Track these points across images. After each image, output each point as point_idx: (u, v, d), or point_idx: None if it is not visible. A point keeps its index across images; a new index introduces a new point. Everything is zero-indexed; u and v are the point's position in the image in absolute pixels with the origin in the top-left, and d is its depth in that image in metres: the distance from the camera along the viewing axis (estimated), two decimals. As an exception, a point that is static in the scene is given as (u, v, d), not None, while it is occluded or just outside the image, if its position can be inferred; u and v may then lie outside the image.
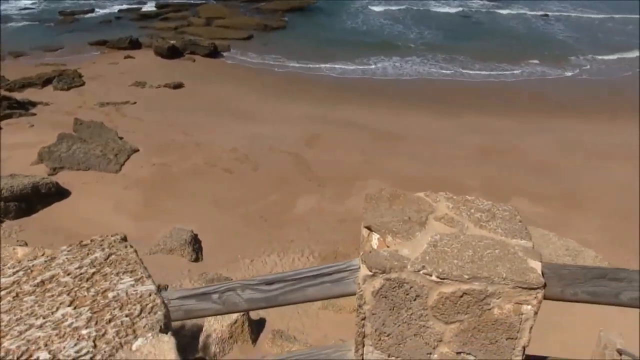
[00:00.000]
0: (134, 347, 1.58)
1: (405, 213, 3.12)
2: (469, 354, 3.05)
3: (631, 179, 22.23)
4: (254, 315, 12.07)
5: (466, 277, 2.74)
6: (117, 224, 17.20)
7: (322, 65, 37.01)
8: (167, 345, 1.59)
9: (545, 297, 3.07)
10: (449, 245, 2.91)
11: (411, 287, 2.80)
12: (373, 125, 27.04)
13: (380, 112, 28.85)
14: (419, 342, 3.02)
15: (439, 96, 32.12)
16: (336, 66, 36.88)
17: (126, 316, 1.68)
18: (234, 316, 10.79)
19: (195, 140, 24.45)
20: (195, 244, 16.40)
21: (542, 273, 2.91)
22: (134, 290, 1.80)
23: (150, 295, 1.79)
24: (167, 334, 1.66)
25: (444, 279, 2.75)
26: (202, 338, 10.64)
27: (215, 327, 10.74)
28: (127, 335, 1.61)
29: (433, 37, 44.16)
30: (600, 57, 39.89)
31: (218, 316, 10.99)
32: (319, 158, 23.37)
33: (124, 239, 2.07)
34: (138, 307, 1.73)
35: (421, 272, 2.75)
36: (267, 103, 29.57)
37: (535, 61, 38.54)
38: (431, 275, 2.75)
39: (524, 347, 3.02)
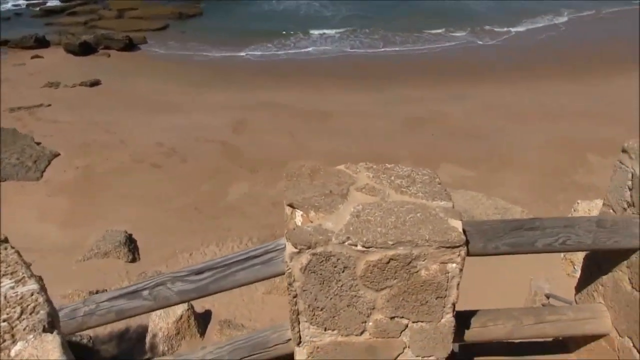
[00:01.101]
0: (12, 353, 1.52)
1: (326, 187, 3.13)
2: (402, 317, 3.11)
3: (549, 136, 23.10)
4: (199, 308, 11.95)
5: (391, 243, 2.78)
6: (44, 234, 16.62)
7: (243, 50, 36.61)
8: (51, 345, 1.54)
9: (469, 254, 3.16)
10: (371, 214, 2.94)
11: (338, 259, 2.82)
12: (299, 105, 27.03)
13: (305, 92, 28.83)
14: (352, 313, 3.06)
15: (362, 71, 32.36)
16: (256, 52, 36.55)
17: (4, 321, 1.62)
18: (179, 312, 10.66)
19: (118, 138, 23.81)
20: (131, 244, 16.02)
21: (464, 231, 2.99)
22: (14, 292, 1.73)
23: (32, 295, 1.72)
24: (52, 332, 1.61)
25: (369, 247, 2.79)
26: (148, 339, 10.46)
27: (160, 325, 10.57)
28: (4, 341, 1.55)
29: (351, 13, 44.22)
30: (515, 26, 40.88)
31: (162, 314, 10.83)
32: (248, 144, 23.21)
33: (5, 240, 1.99)
34: (18, 309, 1.66)
35: (346, 243, 2.77)
36: (190, 93, 29.06)
37: (456, 32, 39.17)
38: (356, 246, 2.78)
39: (453, 304, 3.11)
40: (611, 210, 3.61)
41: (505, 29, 39.98)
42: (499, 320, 3.68)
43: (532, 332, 3.72)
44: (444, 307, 3.09)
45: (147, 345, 10.41)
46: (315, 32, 39.55)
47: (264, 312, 12.59)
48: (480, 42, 37.86)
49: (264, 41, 37.83)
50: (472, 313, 3.70)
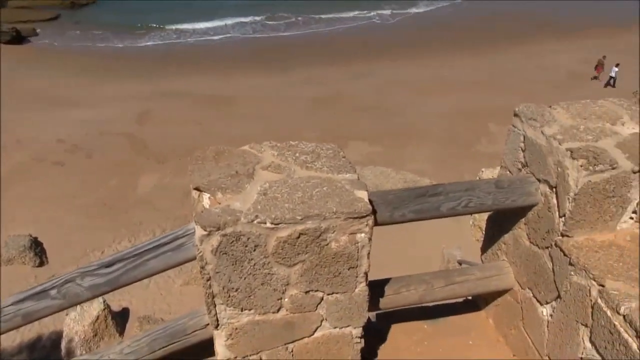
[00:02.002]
0: None
1: (232, 168, 3.12)
2: (317, 290, 3.16)
3: (452, 108, 23.91)
4: (116, 306, 11.67)
5: (299, 218, 2.81)
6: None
7: (142, 39, 35.58)
8: None
9: (377, 223, 3.24)
10: (278, 191, 2.95)
11: (248, 239, 2.82)
12: (204, 92, 26.65)
13: (209, 78, 28.45)
14: (267, 290, 3.07)
15: (266, 55, 32.26)
16: (156, 41, 35.56)
17: None
18: (94, 313, 10.37)
19: (15, 137, 22.61)
20: (37, 248, 15.33)
21: (370, 201, 3.06)
22: None
23: None
24: None
25: (278, 224, 2.80)
26: (64, 344, 10.12)
27: (76, 329, 10.24)
28: None
29: (252, -2, 43.68)
30: (414, 6, 41.62)
31: (77, 317, 10.48)
32: (154, 134, 22.68)
33: None
34: None
35: (255, 221, 2.78)
36: (89, 86, 28.00)
37: (357, 12, 39.43)
38: (265, 223, 2.79)
39: (365, 273, 3.18)
40: (508, 172, 3.79)
41: (406, 10, 40.65)
42: (411, 286, 3.80)
43: (443, 294, 3.87)
44: (357, 277, 3.16)
45: (64, 351, 10.07)
46: (214, 16, 38.84)
47: (183, 304, 12.45)
48: (381, 22, 38.43)
49: (164, 29, 36.85)
50: (386, 281, 3.80)
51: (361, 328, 3.45)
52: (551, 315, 3.58)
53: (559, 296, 3.45)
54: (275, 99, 25.96)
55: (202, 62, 31.22)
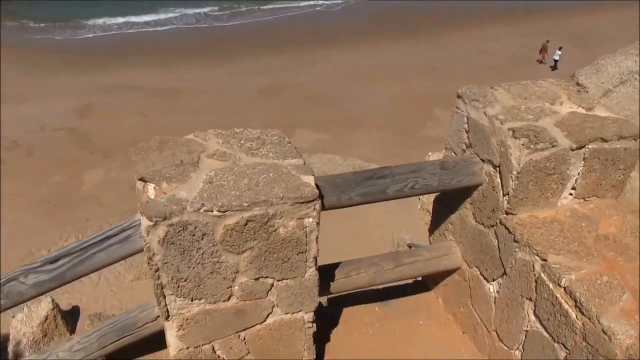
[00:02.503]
0: None
1: (176, 157, 3.07)
2: (267, 277, 3.15)
3: (397, 94, 24.13)
4: (65, 305, 11.39)
5: (246, 204, 2.79)
6: None
7: (81, 30, 34.51)
8: None
9: (325, 208, 3.25)
10: (224, 178, 2.92)
11: (196, 227, 2.79)
12: (148, 85, 26.10)
13: (153, 70, 27.87)
14: (217, 279, 3.05)
15: (210, 45, 31.76)
16: (97, 32, 34.57)
17: None
18: (43, 313, 10.07)
19: (-56, 138, 21.72)
20: (-22, 250, 14.82)
21: (317, 185, 3.06)
22: None
23: None
24: None
25: (225, 211, 2.78)
26: (10, 348, 9.79)
27: (24, 330, 9.92)
28: None
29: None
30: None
31: (25, 318, 10.17)
32: (98, 129, 22.13)
33: None
34: None
35: (202, 210, 2.74)
36: (27, 80, 27.00)
37: (297, 2, 39.10)
38: (212, 211, 2.76)
39: (315, 258, 3.19)
40: (453, 153, 3.85)
41: None
42: (362, 269, 3.83)
43: (393, 275, 3.92)
44: (306, 261, 3.17)
45: (11, 354, 9.76)
46: (160, 11, 37.98)
47: (134, 299, 12.23)
48: (325, 9, 38.36)
49: (104, 19, 35.85)
50: (336, 265, 3.82)
51: (313, 313, 3.47)
52: (498, 292, 3.67)
53: (504, 273, 3.53)
54: (221, 89, 25.67)
55: (146, 54, 30.51)
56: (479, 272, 3.84)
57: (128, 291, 12.64)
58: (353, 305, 4.38)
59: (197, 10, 37.48)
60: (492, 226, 3.57)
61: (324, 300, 4.40)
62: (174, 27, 35.35)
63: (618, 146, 3.36)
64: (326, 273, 3.71)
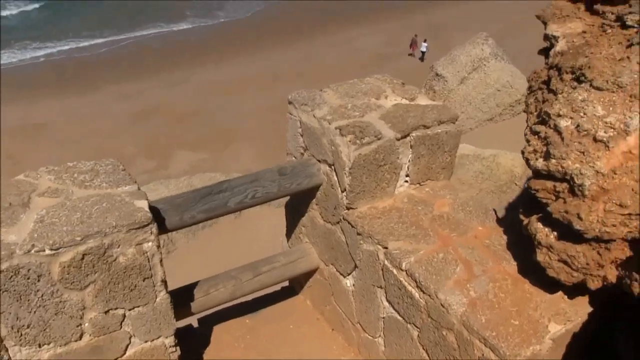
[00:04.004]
0: None
1: (4, 200, 2.95)
2: (117, 308, 3.10)
3: (270, 102, 24.20)
4: None
5: (79, 239, 2.74)
6: None
7: None
8: None
9: (168, 230, 3.25)
10: (56, 215, 2.85)
11: (29, 270, 2.70)
12: (9, 124, 24.63)
13: (12, 107, 26.28)
14: (63, 319, 2.96)
15: (69, 74, 30.33)
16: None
17: None
18: None
19: None
20: None
21: (157, 208, 3.05)
22: None
23: None
24: None
25: (58, 249, 2.71)
26: None
27: None
28: None
29: (39, 14, 40.52)
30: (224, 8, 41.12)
31: None
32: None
33: None
34: None
35: (32, 251, 2.66)
36: None
37: (154, 29, 38.01)
38: (44, 251, 2.69)
39: (163, 281, 3.17)
40: (293, 157, 3.96)
41: (200, 14, 39.97)
42: (220, 285, 3.85)
43: (252, 286, 3.96)
44: (154, 286, 3.14)
45: None
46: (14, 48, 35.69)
47: None
48: (190, 28, 37.75)
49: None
50: (194, 285, 3.81)
51: (173, 336, 3.44)
52: (354, 285, 3.81)
53: (356, 266, 3.68)
54: (90, 118, 24.70)
55: (5, 90, 28.66)
56: (335, 269, 3.96)
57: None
58: (224, 322, 4.38)
59: (60, 48, 35.41)
60: (338, 223, 3.70)
61: (194, 321, 4.38)
62: (34, 62, 33.53)
63: (439, 131, 3.59)
64: (185, 294, 3.70)
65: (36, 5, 41.38)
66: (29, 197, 3.01)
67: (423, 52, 30.80)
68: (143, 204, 2.94)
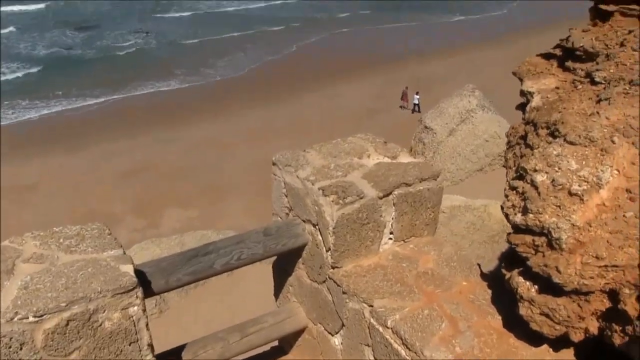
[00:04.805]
0: None
1: (-11, 268, 2.97)
2: (101, 375, 3.07)
3: (256, 157, 24.36)
4: None
5: (63, 304, 2.74)
6: None
7: None
8: None
9: (154, 293, 3.26)
10: (41, 281, 2.86)
11: (11, 338, 2.68)
12: (-2, 185, 24.60)
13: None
14: (47, 388, 2.93)
15: (60, 132, 30.48)
16: None
17: None
18: None
19: None
20: None
21: (142, 272, 3.07)
22: None
23: None
24: None
25: (41, 316, 2.71)
26: None
27: None
28: None
29: (28, 75, 41.09)
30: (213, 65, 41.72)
31: None
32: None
33: None
34: None
35: (15, 319, 2.66)
36: None
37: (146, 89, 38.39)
38: (28, 318, 2.68)
39: (149, 345, 3.16)
40: (279, 218, 4.00)
41: (190, 75, 40.45)
42: (208, 347, 3.82)
43: (241, 348, 3.94)
44: (141, 351, 3.13)
45: None
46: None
47: None
48: (169, 89, 38.01)
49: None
50: (182, 348, 3.78)
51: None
52: (342, 344, 3.80)
53: (343, 324, 3.67)
54: (80, 177, 24.76)
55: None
56: (323, 328, 3.95)
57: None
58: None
59: (50, 109, 35.58)
60: (324, 282, 3.72)
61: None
62: (24, 122, 33.72)
63: (421, 188, 3.66)
64: (172, 358, 3.67)
65: (30, 71, 41.92)
66: (14, 263, 3.02)
67: (416, 104, 31.39)
68: (128, 268, 2.96)
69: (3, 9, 55.04)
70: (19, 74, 41.20)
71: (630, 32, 3.18)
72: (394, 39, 46.36)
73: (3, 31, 50.03)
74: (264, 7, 61.29)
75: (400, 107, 32.20)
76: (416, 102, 31.40)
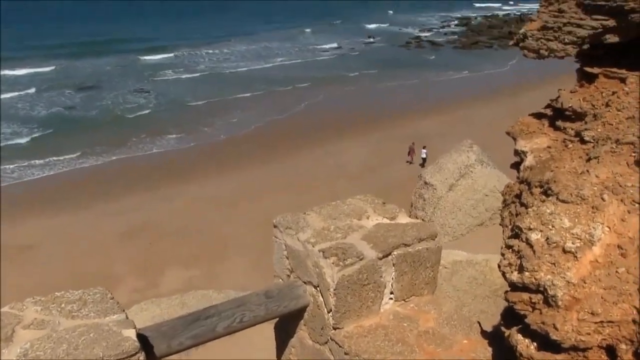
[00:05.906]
0: None
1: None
2: None
3: (257, 216, 24.29)
4: None
5: (62, 373, 2.75)
6: None
7: None
8: None
9: (158, 357, 3.26)
10: (41, 348, 2.87)
11: (12, 408, 2.69)
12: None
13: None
14: None
15: (60, 192, 30.45)
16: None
17: None
18: None
19: None
20: None
21: (145, 336, 3.09)
22: None
23: None
24: None
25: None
26: None
27: None
28: None
29: (38, 134, 41.46)
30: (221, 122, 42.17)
31: None
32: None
33: None
34: None
35: (16, 388, 2.67)
36: None
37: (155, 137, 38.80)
38: (29, 387, 2.70)
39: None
40: (280, 280, 4.03)
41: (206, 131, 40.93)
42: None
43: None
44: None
45: None
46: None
47: None
48: (163, 149, 38.22)
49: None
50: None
51: None
52: (344, 405, 3.77)
53: (345, 386, 3.66)
54: (78, 237, 24.64)
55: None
56: (326, 390, 3.93)
57: None
58: None
59: (47, 172, 35.66)
60: (326, 343, 3.72)
61: None
62: (21, 183, 33.67)
63: (420, 248, 3.71)
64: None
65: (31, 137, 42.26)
66: (13, 330, 3.03)
67: (423, 159, 31.82)
68: (131, 333, 2.98)
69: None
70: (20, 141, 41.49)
71: (613, 93, 3.29)
72: (398, 96, 47.31)
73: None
74: (272, 67, 62.70)
75: (407, 162, 32.60)
76: (424, 156, 31.89)
